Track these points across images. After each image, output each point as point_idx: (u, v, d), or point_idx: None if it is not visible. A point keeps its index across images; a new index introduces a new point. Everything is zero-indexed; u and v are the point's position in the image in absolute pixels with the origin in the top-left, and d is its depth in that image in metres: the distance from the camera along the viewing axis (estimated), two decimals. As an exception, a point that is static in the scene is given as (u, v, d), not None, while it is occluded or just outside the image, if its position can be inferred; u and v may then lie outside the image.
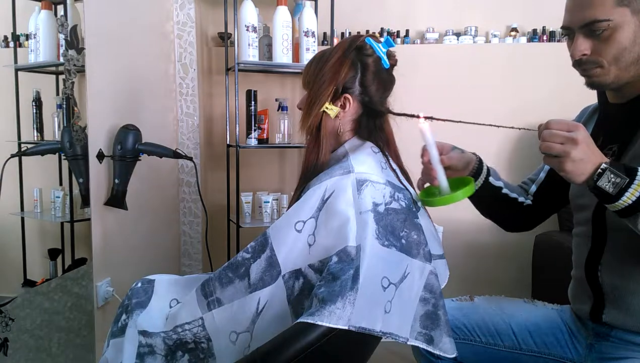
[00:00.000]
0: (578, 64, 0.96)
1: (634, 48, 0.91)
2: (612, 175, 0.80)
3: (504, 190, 1.16)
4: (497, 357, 1.16)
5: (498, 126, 0.96)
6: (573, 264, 1.13)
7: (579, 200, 1.09)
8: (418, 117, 0.94)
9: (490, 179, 1.14)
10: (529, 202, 1.19)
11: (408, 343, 0.89)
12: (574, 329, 1.12)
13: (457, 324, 1.19)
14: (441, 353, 0.92)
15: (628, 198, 0.80)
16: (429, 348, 0.91)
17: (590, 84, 0.98)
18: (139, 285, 1.09)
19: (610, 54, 0.92)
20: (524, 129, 0.95)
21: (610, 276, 1.00)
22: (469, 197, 1.04)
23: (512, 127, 0.97)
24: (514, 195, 1.17)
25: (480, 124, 0.95)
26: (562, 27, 0.98)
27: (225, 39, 2.21)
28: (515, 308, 1.21)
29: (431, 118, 0.95)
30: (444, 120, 0.96)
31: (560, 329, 1.13)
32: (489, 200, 1.17)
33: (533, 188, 1.20)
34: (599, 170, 0.81)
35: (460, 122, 0.96)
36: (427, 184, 1.08)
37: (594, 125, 1.09)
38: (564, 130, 0.81)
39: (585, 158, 0.80)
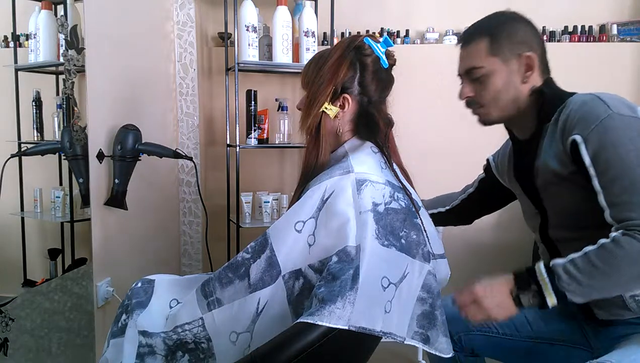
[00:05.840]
0: (467, 104, 1.12)
1: (508, 90, 1.06)
2: (525, 297, 0.93)
3: (431, 211, 1.34)
4: (514, 347, 1.20)
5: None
6: None
7: (527, 222, 1.20)
8: None
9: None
10: (457, 203, 1.37)
11: (405, 342, 0.90)
12: (580, 318, 1.14)
13: None
14: (437, 353, 0.92)
15: (551, 298, 0.90)
16: (425, 348, 0.92)
17: (481, 121, 1.12)
18: (139, 285, 1.09)
19: (488, 96, 1.07)
20: None
21: None
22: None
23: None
24: (437, 210, 1.38)
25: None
26: (457, 75, 1.13)
27: (225, 39, 2.21)
28: None
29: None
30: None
31: (569, 317, 1.16)
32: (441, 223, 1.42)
33: (464, 195, 1.38)
34: (514, 298, 0.94)
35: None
36: None
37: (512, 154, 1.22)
38: (468, 300, 0.97)
39: (497, 298, 0.94)
